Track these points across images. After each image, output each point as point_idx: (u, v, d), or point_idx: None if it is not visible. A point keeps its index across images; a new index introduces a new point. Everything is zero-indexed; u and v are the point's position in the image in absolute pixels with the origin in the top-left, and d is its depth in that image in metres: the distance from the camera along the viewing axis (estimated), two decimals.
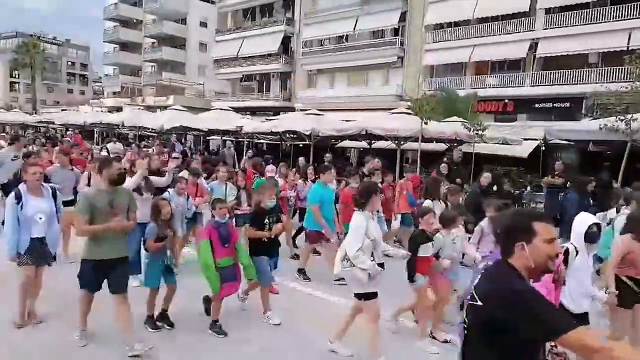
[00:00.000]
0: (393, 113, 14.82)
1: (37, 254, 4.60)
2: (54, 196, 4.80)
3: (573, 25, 20.37)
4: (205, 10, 43.99)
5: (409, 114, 13.98)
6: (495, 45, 22.39)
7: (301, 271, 6.76)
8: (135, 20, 49.48)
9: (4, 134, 22.37)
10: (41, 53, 53.49)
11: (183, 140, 28.07)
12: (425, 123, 12.09)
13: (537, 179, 13.79)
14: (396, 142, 14.39)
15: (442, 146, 16.59)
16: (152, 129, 22.13)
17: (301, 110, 23.47)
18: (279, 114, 24.36)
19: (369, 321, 4.19)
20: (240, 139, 22.07)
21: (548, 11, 21.31)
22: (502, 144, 15.04)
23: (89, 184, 7.02)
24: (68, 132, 26.28)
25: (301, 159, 13.02)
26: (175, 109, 22.65)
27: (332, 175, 6.85)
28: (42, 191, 4.68)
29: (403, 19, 25.88)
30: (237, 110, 24.64)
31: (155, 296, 4.76)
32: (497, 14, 22.17)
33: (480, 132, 12.78)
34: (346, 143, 20.21)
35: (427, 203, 6.13)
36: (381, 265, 4.17)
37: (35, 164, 5.07)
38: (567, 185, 9.55)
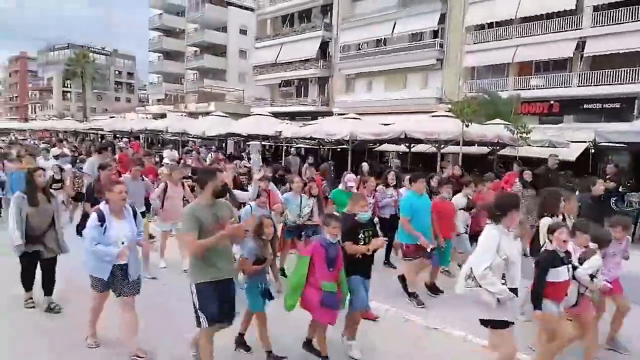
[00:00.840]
0: (433, 116, 14.60)
1: (116, 282, 4.25)
2: (134, 216, 4.43)
3: (623, 23, 19.46)
4: (244, 18, 44.90)
5: (450, 116, 13.73)
6: (540, 44, 21.68)
7: (413, 295, 6.04)
8: (178, 30, 51.11)
9: (64, 141, 23.36)
10: (91, 63, 56.11)
11: (223, 146, 28.79)
12: (467, 126, 11.84)
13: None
14: (436, 145, 14.15)
15: (484, 149, 16.23)
16: (195, 135, 22.77)
17: (339, 114, 23.50)
18: (316, 119, 24.51)
19: None
20: (279, 144, 22.34)
21: (596, 8, 20.46)
22: (548, 146, 14.52)
23: (164, 196, 7.01)
24: (124, 139, 26.94)
25: (364, 165, 12.44)
26: (216, 115, 23.25)
27: (423, 184, 6.22)
28: (124, 212, 4.31)
29: (442, 21, 25.50)
30: (276, 115, 24.95)
31: (259, 318, 4.35)
32: (541, 13, 21.48)
33: (524, 135, 12.39)
34: (384, 147, 20.06)
35: (547, 221, 4.86)
36: (514, 290, 3.59)
37: (119, 181, 4.66)
38: (620, 190, 9.12)
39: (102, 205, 4.23)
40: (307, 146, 23.78)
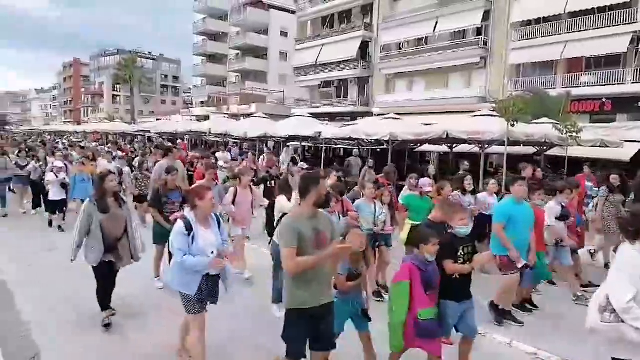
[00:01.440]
0: (476, 115, 14.22)
1: (208, 294, 3.95)
2: (219, 224, 4.12)
3: None
4: (285, 20, 45.37)
5: (494, 116, 13.33)
6: (591, 40, 20.70)
7: (509, 316, 5.45)
8: (221, 33, 52.29)
9: (108, 146, 23.98)
10: (139, 68, 58.30)
11: (264, 146, 29.20)
12: (512, 125, 11.44)
13: None
14: (480, 145, 13.78)
15: (529, 149, 15.67)
16: (237, 136, 23.21)
17: (379, 114, 23.30)
18: (356, 119, 24.42)
19: None
20: (319, 145, 22.41)
21: None
22: (600, 146, 13.85)
23: (233, 202, 6.70)
24: (178, 142, 27.28)
25: (431, 167, 11.73)
26: (257, 117, 23.61)
27: (523, 189, 5.55)
28: (209, 220, 4.02)
29: (486, 18, 24.82)
30: (316, 116, 25.06)
31: (362, 339, 4.03)
32: (592, 7, 20.52)
33: (574, 134, 11.86)
34: (425, 147, 19.73)
35: None
36: None
37: (209, 188, 4.20)
38: None
39: (188, 213, 3.94)
40: (346, 147, 23.74)
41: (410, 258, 3.86)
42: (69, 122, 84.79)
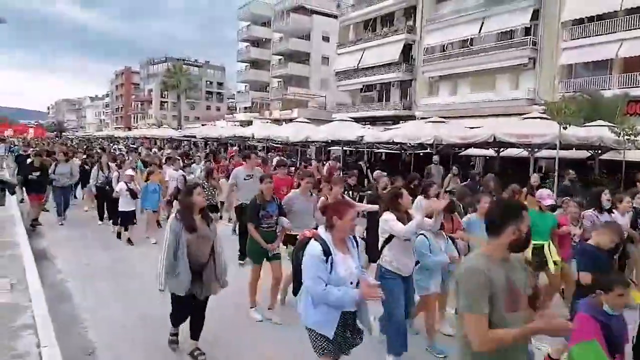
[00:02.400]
0: (525, 118, 13.74)
1: (347, 338, 3.27)
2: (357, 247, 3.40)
3: None
4: (327, 25, 45.61)
5: (544, 118, 12.84)
6: None
7: None
8: (264, 40, 53.21)
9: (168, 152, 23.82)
10: (185, 75, 60.21)
11: (307, 151, 29.42)
12: (564, 128, 10.97)
13: None
14: (529, 149, 13.29)
15: (583, 154, 14.99)
16: (279, 141, 23.52)
17: (422, 118, 22.95)
18: (398, 123, 24.16)
19: None
20: (361, 149, 22.33)
21: None
22: None
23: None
24: (234, 148, 27.27)
25: (534, 176, 9.90)
26: (299, 121, 23.83)
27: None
28: (347, 242, 3.29)
29: (535, 17, 23.98)
30: (357, 120, 24.98)
31: None
32: None
33: (632, 137, 11.24)
34: (470, 151, 19.25)
35: None
36: None
37: (352, 205, 3.51)
38: None
39: (323, 233, 3.22)
40: (388, 151, 23.54)
41: (584, 308, 2.96)
42: (119, 127, 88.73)
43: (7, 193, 10.26)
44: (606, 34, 21.18)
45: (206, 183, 9.50)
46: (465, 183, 11.25)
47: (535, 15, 23.94)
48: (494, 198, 6.02)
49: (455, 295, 2.34)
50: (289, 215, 5.71)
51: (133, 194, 9.04)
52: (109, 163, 11.02)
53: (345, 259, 3.17)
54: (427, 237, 4.63)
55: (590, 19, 21.94)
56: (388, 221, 4.39)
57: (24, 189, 11.30)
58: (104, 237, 9.59)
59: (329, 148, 26.20)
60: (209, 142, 33.18)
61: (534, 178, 9.56)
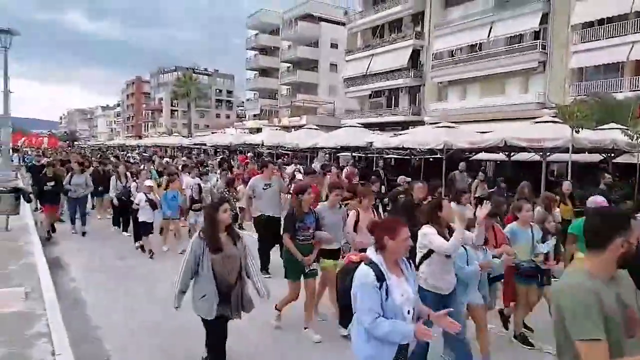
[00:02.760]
0: (537, 122, 13.64)
1: None
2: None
3: None
4: (335, 32, 45.82)
5: (555, 122, 12.73)
6: None
7: None
8: (272, 48, 53.58)
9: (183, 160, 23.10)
10: (195, 84, 60.76)
11: (315, 157, 29.43)
12: (577, 132, 10.86)
13: None
14: (541, 153, 13.17)
15: (595, 157, 14.82)
16: (288, 148, 23.60)
17: (431, 123, 22.89)
18: (407, 129, 24.12)
19: None
20: (370, 155, 22.31)
21: None
22: None
23: (355, 229, 5.46)
24: (248, 154, 26.89)
25: (566, 183, 9.00)
26: (308, 128, 23.92)
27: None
28: (401, 264, 2.95)
29: (544, 21, 23.86)
30: (366, 126, 24.97)
31: None
32: None
33: None
34: (480, 156, 19.14)
35: None
36: None
37: (403, 224, 2.93)
38: None
39: (373, 255, 2.85)
40: (397, 156, 23.50)
41: None
42: (130, 136, 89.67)
43: (21, 201, 10.41)
44: (617, 36, 21.00)
45: (227, 192, 9.36)
46: (491, 190, 10.96)
47: (545, 19, 23.83)
48: (533, 205, 5.71)
49: (555, 322, 2.01)
50: (322, 229, 5.38)
51: (153, 205, 8.73)
52: (126, 174, 10.83)
53: (400, 283, 2.83)
54: (465, 249, 4.30)
55: (601, 21, 21.78)
56: (427, 235, 4.08)
57: (38, 200, 11.45)
58: (118, 245, 9.64)
59: (338, 154, 26.22)
60: (218, 150, 33.37)
61: (566, 185, 8.75)
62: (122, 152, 39.68)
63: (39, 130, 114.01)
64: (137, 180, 10.02)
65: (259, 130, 41.35)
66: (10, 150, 18.99)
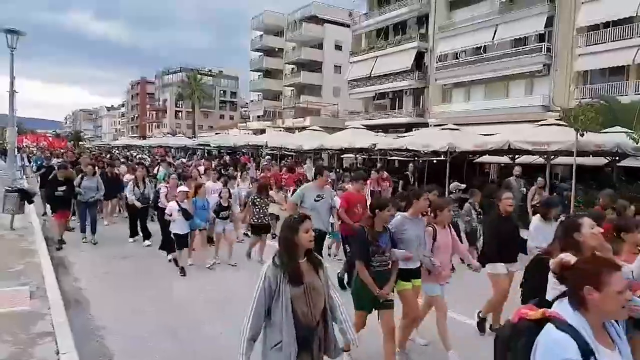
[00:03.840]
0: (541, 125, 13.61)
1: None
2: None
3: None
4: (340, 33, 45.86)
5: (559, 124, 12.69)
6: None
7: None
8: (277, 49, 53.66)
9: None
10: (200, 85, 60.87)
11: (319, 158, 29.45)
12: (581, 135, 10.83)
13: None
14: (545, 156, 13.14)
15: (600, 160, 14.76)
16: (292, 149, 23.63)
17: (435, 125, 22.88)
18: (411, 130, 24.10)
19: None
20: (374, 156, 22.28)
21: None
22: None
23: (433, 245, 4.79)
24: (266, 157, 25.47)
25: (608, 192, 7.82)
26: (312, 130, 23.95)
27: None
28: (609, 328, 2.06)
29: (549, 24, 23.81)
30: (370, 128, 24.98)
31: None
32: None
33: None
34: (484, 158, 19.10)
35: None
36: None
37: (617, 266, 1.95)
38: None
39: (571, 316, 1.91)
40: (401, 158, 23.49)
41: None
42: (135, 136, 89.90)
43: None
44: (622, 39, 20.94)
45: (258, 199, 8.46)
46: (550, 197, 10.25)
47: (550, 21, 23.77)
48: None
49: None
50: (398, 246, 4.48)
51: (187, 215, 7.68)
52: (145, 178, 10.12)
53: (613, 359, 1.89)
54: None
55: (606, 24, 21.71)
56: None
57: (47, 205, 10.82)
58: (123, 246, 9.65)
59: (342, 156, 26.23)
60: (222, 151, 33.44)
61: (607, 194, 7.24)
62: (130, 152, 39.68)
63: (43, 130, 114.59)
64: (167, 185, 9.09)
65: (262, 131, 41.42)
66: (15, 150, 18.98)
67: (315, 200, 6.63)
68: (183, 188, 8.08)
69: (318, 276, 2.96)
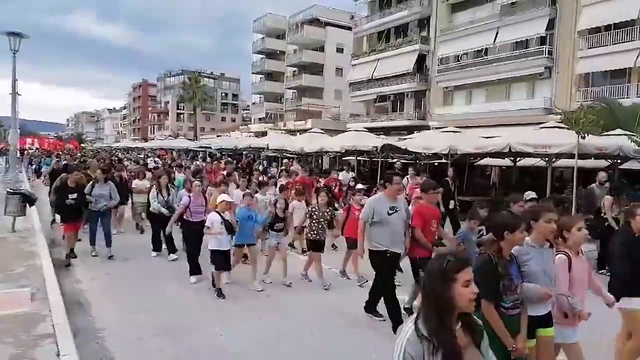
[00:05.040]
0: (542, 127, 13.60)
1: None
2: None
3: None
4: (341, 36, 45.97)
5: (561, 127, 12.69)
6: None
7: None
8: (278, 52, 53.79)
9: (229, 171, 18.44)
10: (201, 87, 60.98)
11: (320, 161, 29.47)
12: (583, 137, 10.82)
13: None
14: (546, 159, 13.12)
15: (601, 163, 14.74)
16: (293, 151, 23.63)
17: (436, 128, 22.88)
18: (412, 133, 24.11)
19: None
20: (375, 159, 22.25)
21: None
22: None
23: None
24: (293, 162, 24.39)
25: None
26: (313, 132, 23.95)
27: None
28: None
29: (551, 26, 23.83)
30: (371, 130, 24.98)
31: None
32: None
33: None
34: (486, 161, 19.10)
35: None
36: None
37: None
38: None
39: None
40: (403, 161, 23.49)
41: None
42: (136, 139, 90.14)
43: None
44: (623, 42, 20.95)
45: (317, 211, 7.39)
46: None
47: (551, 24, 23.80)
48: None
49: None
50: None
51: (229, 228, 6.69)
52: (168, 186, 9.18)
53: None
54: None
55: (607, 27, 21.75)
56: None
57: (58, 214, 9.46)
58: (124, 247, 9.61)
59: (344, 158, 26.23)
60: (223, 153, 33.46)
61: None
62: (140, 156, 39.37)
63: (45, 132, 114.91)
64: (190, 194, 7.83)
65: (264, 133, 41.46)
66: (18, 152, 19.02)
67: (389, 214, 5.42)
68: (226, 197, 7.02)
69: (479, 351, 2.05)
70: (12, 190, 10.38)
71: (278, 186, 9.72)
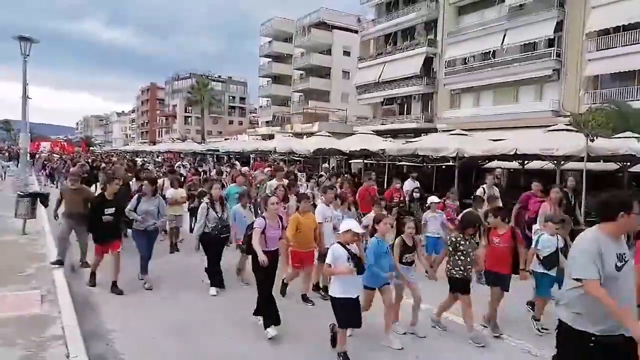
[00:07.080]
0: (550, 130, 13.50)
1: None
2: None
3: None
4: (348, 39, 46.02)
5: (569, 130, 12.60)
6: None
7: None
8: (285, 55, 53.94)
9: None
10: (209, 91, 61.26)
11: (327, 164, 29.46)
12: (591, 140, 10.73)
13: None
14: (555, 162, 13.02)
15: (612, 166, 14.61)
16: (300, 154, 23.67)
17: (444, 130, 22.80)
18: (419, 136, 24.07)
19: None
20: (382, 162, 22.22)
21: None
22: None
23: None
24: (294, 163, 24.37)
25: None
26: (320, 135, 23.96)
27: None
28: None
29: (559, 29, 23.70)
30: (378, 133, 24.95)
31: None
32: None
33: None
34: (494, 164, 18.99)
35: None
36: None
37: None
38: None
39: None
40: (410, 164, 23.43)
41: None
42: (145, 142, 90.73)
43: (38, 205, 10.56)
44: (633, 44, 20.79)
45: (463, 240, 5.46)
46: None
47: (559, 26, 23.68)
48: None
49: None
50: None
51: (361, 267, 4.75)
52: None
53: None
54: None
55: (616, 29, 21.60)
56: None
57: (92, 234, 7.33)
58: (132, 249, 9.60)
59: (350, 161, 26.20)
60: (231, 156, 33.59)
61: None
62: (164, 160, 38.50)
63: (55, 135, 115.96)
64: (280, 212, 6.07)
65: (271, 136, 41.56)
66: (28, 155, 19.21)
67: (617, 268, 3.09)
68: (352, 223, 4.88)
69: None
70: (22, 193, 10.49)
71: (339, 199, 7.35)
